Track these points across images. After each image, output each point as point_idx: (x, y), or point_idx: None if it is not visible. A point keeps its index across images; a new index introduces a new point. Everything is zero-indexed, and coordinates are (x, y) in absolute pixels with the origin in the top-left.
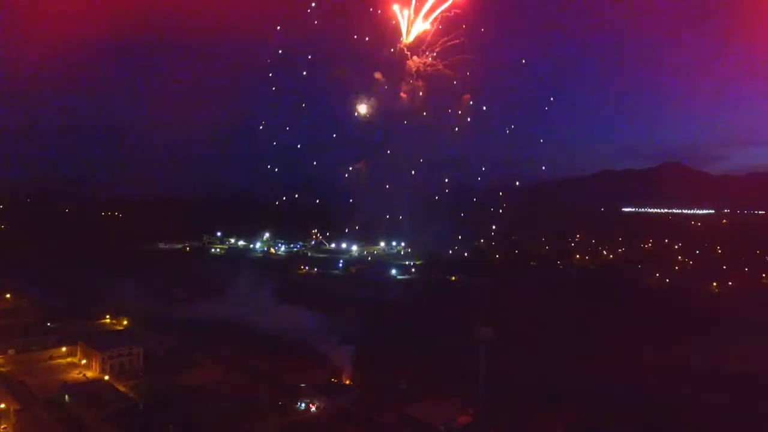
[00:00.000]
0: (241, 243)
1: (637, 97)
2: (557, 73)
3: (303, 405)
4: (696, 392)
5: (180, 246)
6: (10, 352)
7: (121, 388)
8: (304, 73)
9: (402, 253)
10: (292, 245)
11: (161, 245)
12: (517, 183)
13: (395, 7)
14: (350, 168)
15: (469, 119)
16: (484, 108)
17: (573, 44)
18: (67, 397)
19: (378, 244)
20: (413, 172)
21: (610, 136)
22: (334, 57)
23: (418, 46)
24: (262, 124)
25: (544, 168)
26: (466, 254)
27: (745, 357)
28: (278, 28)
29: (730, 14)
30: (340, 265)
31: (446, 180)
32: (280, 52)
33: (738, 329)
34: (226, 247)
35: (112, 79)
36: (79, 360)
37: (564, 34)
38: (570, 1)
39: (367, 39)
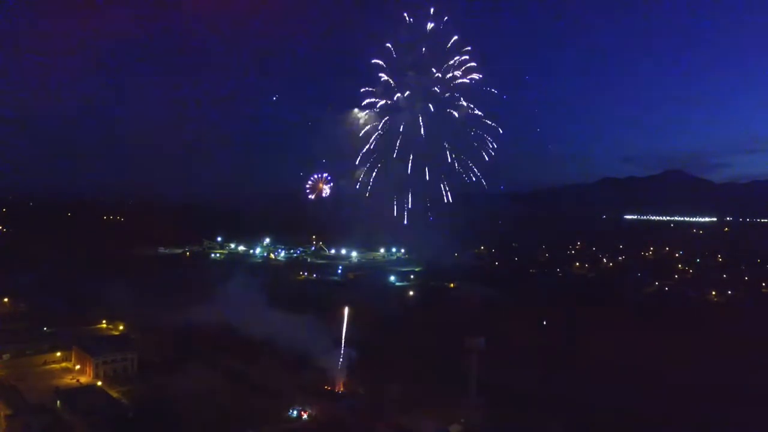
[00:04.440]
0: (241, 248)
1: (640, 105)
2: (559, 82)
3: (295, 413)
4: (685, 404)
5: (180, 251)
6: (5, 356)
7: (114, 394)
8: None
9: (402, 259)
10: (292, 251)
11: (161, 250)
12: (518, 190)
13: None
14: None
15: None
16: (483, 116)
17: (575, 53)
18: (58, 402)
19: (378, 251)
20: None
21: (612, 143)
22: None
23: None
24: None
25: (545, 175)
26: (465, 261)
27: (741, 368)
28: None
29: (732, 24)
30: (339, 271)
31: (447, 187)
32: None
33: (734, 339)
34: (226, 252)
35: (114, 82)
36: (74, 365)
37: (566, 43)
38: (572, 11)
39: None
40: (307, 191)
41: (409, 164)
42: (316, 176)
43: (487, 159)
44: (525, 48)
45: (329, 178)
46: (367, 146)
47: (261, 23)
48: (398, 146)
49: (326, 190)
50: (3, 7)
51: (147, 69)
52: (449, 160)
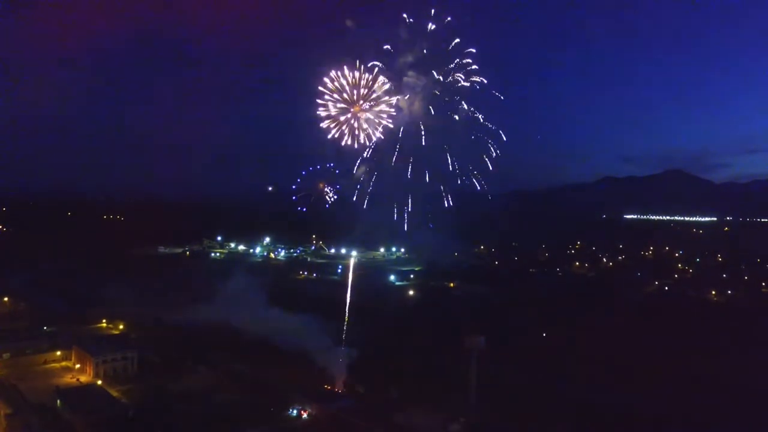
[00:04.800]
0: (241, 247)
1: (640, 104)
2: (560, 81)
3: (295, 412)
4: (685, 402)
5: (180, 250)
6: (5, 356)
7: (114, 393)
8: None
9: (402, 258)
10: (292, 250)
11: (161, 249)
12: (518, 189)
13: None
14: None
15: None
16: (482, 116)
17: (575, 51)
18: (58, 401)
19: (378, 250)
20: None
21: (612, 143)
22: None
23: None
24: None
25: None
26: (465, 261)
27: (741, 367)
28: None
29: (732, 23)
30: (339, 270)
31: (447, 186)
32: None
33: (734, 338)
34: (226, 251)
35: (114, 82)
36: (74, 364)
37: (567, 42)
38: (574, 11)
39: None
40: (297, 198)
41: (409, 167)
42: (310, 170)
43: (490, 168)
44: (526, 48)
45: (338, 171)
46: (367, 149)
47: (258, 23)
48: (398, 149)
49: (329, 193)
50: (3, 8)
51: (147, 69)
52: (450, 168)
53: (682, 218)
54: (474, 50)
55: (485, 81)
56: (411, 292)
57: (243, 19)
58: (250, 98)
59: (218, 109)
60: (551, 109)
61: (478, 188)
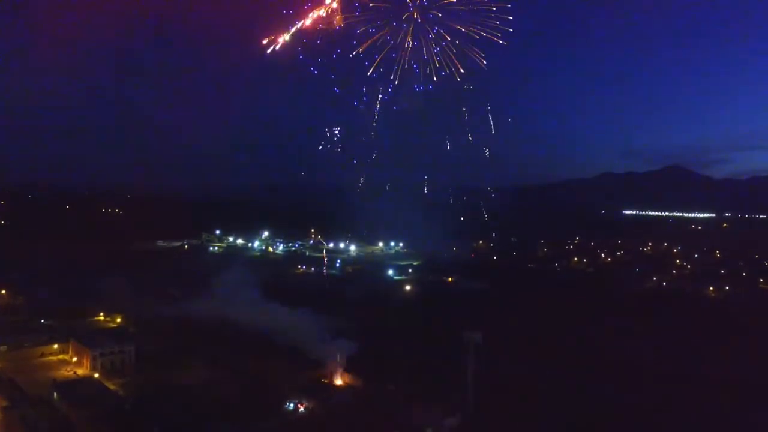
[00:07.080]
0: (239, 242)
1: (639, 100)
2: (559, 76)
3: (291, 406)
4: (683, 399)
5: (178, 244)
6: (2, 349)
7: (112, 387)
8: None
9: (401, 253)
10: (290, 244)
11: (160, 243)
12: (518, 185)
13: None
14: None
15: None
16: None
17: (575, 47)
18: (55, 394)
19: (376, 244)
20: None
21: (611, 139)
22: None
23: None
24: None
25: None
26: (464, 256)
27: (739, 364)
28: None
29: (731, 19)
30: (338, 264)
31: (447, 182)
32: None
33: (731, 334)
34: (225, 245)
35: (113, 77)
36: (71, 357)
37: (566, 37)
38: (575, 8)
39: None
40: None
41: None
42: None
43: (492, 195)
44: (526, 45)
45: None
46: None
47: (258, 17)
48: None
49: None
50: (7, 5)
51: (146, 64)
52: (450, 165)
53: (681, 214)
54: (484, 62)
55: (488, 105)
56: (409, 287)
57: (242, 14)
58: (250, 93)
59: (217, 104)
60: (551, 105)
61: (474, 179)
